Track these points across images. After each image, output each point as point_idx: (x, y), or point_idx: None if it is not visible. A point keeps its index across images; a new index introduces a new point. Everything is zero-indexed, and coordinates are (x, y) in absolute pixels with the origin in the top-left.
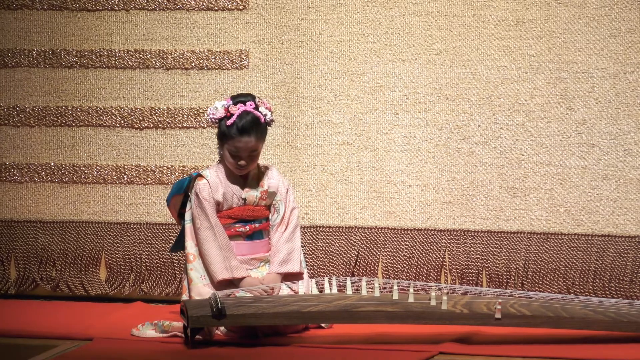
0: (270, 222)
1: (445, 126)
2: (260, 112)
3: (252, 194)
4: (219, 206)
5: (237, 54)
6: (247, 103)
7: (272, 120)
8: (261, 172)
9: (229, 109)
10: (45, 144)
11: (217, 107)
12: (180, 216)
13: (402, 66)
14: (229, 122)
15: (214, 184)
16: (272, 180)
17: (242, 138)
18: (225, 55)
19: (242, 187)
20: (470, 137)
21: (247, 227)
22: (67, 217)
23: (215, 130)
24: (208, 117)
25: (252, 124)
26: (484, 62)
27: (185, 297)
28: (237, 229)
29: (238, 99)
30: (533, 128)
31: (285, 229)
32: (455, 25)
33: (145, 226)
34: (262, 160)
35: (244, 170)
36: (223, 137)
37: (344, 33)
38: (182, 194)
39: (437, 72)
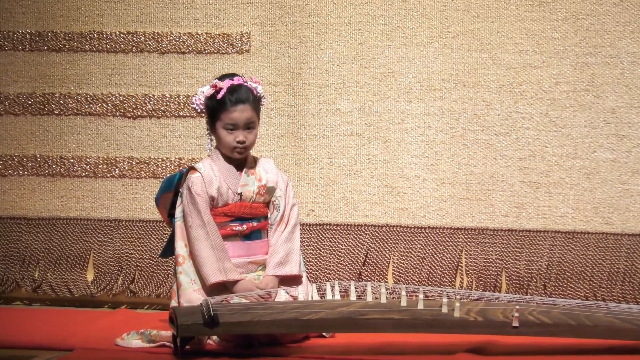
0: (270, 221)
1: (462, 115)
2: (250, 84)
3: (248, 189)
4: (213, 202)
5: (237, 37)
6: (235, 78)
7: (263, 96)
8: (258, 165)
9: (217, 84)
10: (30, 134)
11: (203, 91)
12: (171, 217)
13: (415, 50)
14: (219, 96)
15: (207, 177)
16: (270, 174)
17: (237, 107)
18: (224, 39)
19: (238, 181)
20: (489, 127)
21: (244, 226)
22: (53, 214)
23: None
24: (194, 105)
25: (245, 92)
26: (505, 46)
27: (174, 302)
28: (234, 228)
29: (223, 77)
30: (558, 118)
31: (285, 228)
32: (474, 6)
33: (137, 223)
34: (264, 153)
35: (243, 150)
36: (215, 113)
37: (353, 14)
38: (172, 192)
39: (453, 57)
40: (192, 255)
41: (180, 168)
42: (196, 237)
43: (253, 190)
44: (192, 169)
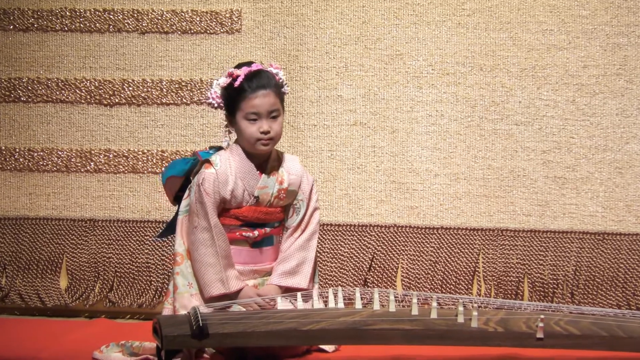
0: (286, 225)
1: (479, 103)
2: (271, 70)
3: (267, 192)
4: (225, 204)
5: (227, 15)
6: (252, 65)
7: (286, 84)
8: (282, 165)
9: (233, 72)
10: None
11: (219, 82)
12: (177, 199)
13: (426, 30)
14: (237, 83)
15: (222, 175)
16: (293, 176)
17: (257, 92)
18: (212, 17)
19: (256, 182)
20: (509, 116)
21: (256, 232)
22: (21, 213)
23: (223, 120)
24: (210, 100)
25: (266, 77)
26: (527, 25)
27: (167, 304)
28: (243, 234)
29: (240, 65)
30: (586, 105)
31: (302, 234)
32: None
33: (115, 224)
34: None
35: (269, 142)
36: (234, 103)
37: None
38: (182, 177)
39: (469, 37)
40: (192, 259)
41: (197, 151)
42: (200, 241)
43: (272, 194)
44: (207, 162)
